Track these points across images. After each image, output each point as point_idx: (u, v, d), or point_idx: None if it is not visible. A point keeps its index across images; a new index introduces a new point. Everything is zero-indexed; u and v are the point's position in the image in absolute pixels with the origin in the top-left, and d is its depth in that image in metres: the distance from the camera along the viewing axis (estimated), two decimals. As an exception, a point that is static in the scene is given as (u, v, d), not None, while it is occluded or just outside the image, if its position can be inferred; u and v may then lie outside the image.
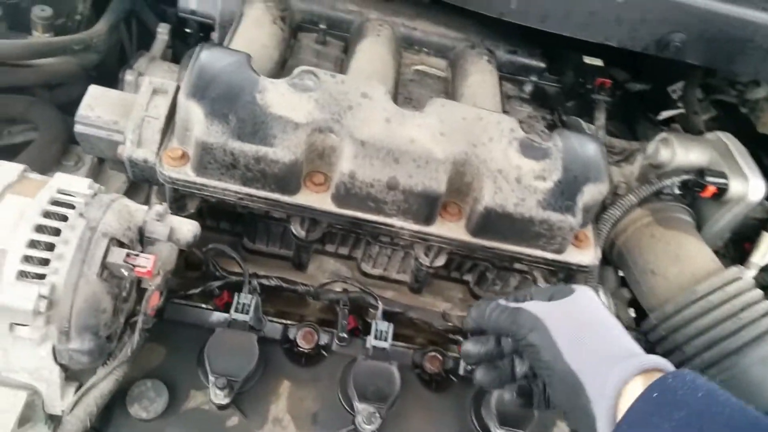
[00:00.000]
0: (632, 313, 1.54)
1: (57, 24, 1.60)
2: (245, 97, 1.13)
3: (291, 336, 1.22)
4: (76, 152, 1.50)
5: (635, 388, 0.73)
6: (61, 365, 0.94)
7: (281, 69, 1.49)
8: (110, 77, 1.55)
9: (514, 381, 0.96)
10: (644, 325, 1.39)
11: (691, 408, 0.67)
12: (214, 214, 1.34)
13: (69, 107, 1.30)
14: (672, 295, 1.35)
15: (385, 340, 1.19)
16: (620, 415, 0.73)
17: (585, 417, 0.78)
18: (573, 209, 1.17)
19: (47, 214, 0.92)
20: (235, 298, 1.17)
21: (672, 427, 0.66)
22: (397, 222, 1.19)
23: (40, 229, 0.91)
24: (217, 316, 1.20)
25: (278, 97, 1.14)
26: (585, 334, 0.84)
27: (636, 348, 0.82)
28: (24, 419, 0.94)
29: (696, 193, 1.41)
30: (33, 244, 0.89)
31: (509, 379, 0.97)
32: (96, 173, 1.50)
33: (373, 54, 1.49)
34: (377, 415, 1.10)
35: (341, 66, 1.54)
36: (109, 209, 0.96)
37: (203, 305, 1.23)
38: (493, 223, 1.17)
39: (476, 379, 0.98)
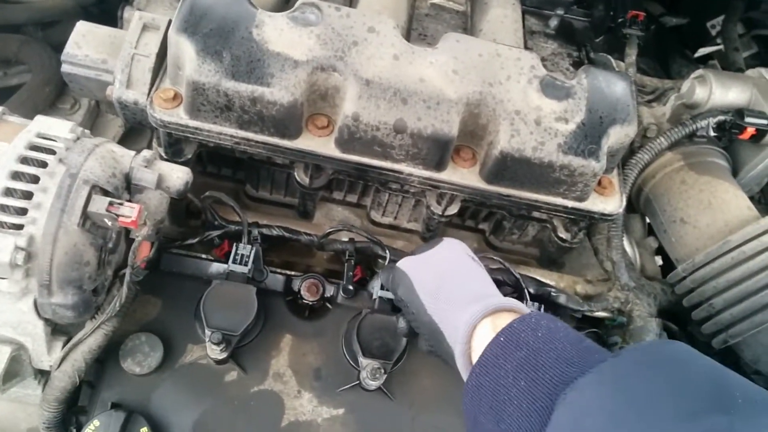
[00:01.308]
0: (659, 261, 1.46)
1: (50, -43, 1.51)
2: (240, 33, 1.04)
3: (295, 288, 1.17)
4: (73, 95, 1.44)
5: (483, 330, 0.81)
6: (46, 320, 0.90)
7: (285, 4, 1.38)
8: (112, 16, 1.46)
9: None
10: (671, 276, 1.31)
11: (530, 347, 0.73)
12: (214, 160, 1.28)
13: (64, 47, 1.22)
14: (702, 245, 1.26)
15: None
16: (474, 355, 0.81)
17: (451, 360, 0.87)
18: (597, 153, 1.07)
19: (24, 160, 0.86)
20: (234, 248, 1.11)
21: (514, 367, 0.72)
22: (405, 168, 1.11)
23: (16, 176, 0.85)
24: (216, 266, 1.14)
25: (276, 33, 1.05)
26: (442, 285, 0.91)
27: (487, 291, 0.91)
28: (10, 374, 0.91)
29: (733, 135, 1.30)
30: (9, 192, 0.84)
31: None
32: (93, 117, 1.43)
33: (384, -14, 1.38)
34: (382, 370, 1.05)
35: (351, 1, 1.44)
36: (91, 155, 0.90)
37: (203, 255, 1.17)
38: (509, 168, 1.08)
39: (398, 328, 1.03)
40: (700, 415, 0.56)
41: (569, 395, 0.66)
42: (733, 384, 0.62)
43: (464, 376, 0.83)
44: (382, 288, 1.13)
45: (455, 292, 0.89)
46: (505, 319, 0.80)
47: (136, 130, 1.45)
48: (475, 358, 0.80)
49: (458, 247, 1.01)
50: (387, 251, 1.20)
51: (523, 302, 1.15)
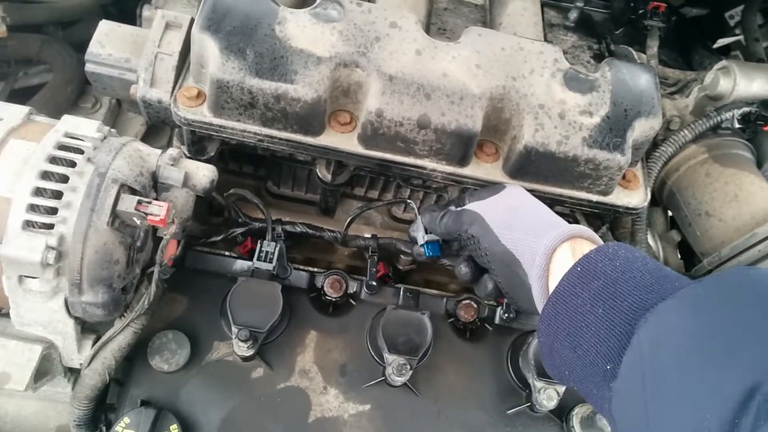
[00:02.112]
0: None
1: (70, -43, 1.52)
2: (263, 30, 1.04)
3: (318, 284, 1.17)
4: (94, 94, 1.45)
5: (563, 254, 0.82)
6: (76, 318, 0.90)
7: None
8: (131, 14, 1.47)
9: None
10: (696, 270, 1.30)
11: (608, 277, 0.74)
12: (236, 158, 1.28)
13: (85, 46, 1.23)
14: (728, 238, 1.25)
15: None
16: (552, 278, 0.82)
17: (523, 289, 0.87)
18: (622, 147, 1.06)
19: (54, 160, 0.87)
20: (258, 245, 1.11)
21: (591, 295, 0.73)
22: (429, 163, 1.10)
23: (46, 175, 0.85)
24: (241, 264, 1.15)
25: (299, 29, 1.05)
26: (516, 217, 0.92)
27: (560, 221, 0.91)
28: (41, 373, 0.92)
29: (758, 126, 1.28)
30: (39, 191, 0.84)
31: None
32: (114, 115, 1.44)
33: (403, -20, 1.37)
34: (408, 366, 1.05)
35: (370, -5, 1.43)
36: (119, 154, 0.90)
37: (226, 252, 1.17)
38: (533, 163, 1.08)
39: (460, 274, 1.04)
40: None
41: (650, 319, 0.66)
42: None
43: (537, 302, 0.84)
44: (427, 232, 1.10)
45: (530, 222, 0.90)
46: (583, 246, 0.82)
47: (155, 128, 1.46)
48: (552, 282, 0.81)
49: (522, 189, 1.04)
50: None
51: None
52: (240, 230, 1.17)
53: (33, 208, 0.83)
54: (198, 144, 1.14)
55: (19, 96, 1.49)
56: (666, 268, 0.75)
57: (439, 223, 1.04)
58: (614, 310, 0.70)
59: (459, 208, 1.02)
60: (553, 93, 1.07)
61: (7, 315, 0.91)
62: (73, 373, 0.97)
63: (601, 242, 0.86)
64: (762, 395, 0.52)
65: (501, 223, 0.92)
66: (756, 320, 0.59)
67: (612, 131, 1.06)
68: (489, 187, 1.06)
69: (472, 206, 1.00)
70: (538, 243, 0.84)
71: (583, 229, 0.86)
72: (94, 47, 1.14)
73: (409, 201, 1.22)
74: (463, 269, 1.01)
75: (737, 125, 1.30)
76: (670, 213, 1.48)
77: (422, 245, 1.08)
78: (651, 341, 0.64)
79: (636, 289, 0.71)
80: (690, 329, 0.61)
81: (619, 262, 0.75)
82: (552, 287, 0.81)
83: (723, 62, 1.33)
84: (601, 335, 0.70)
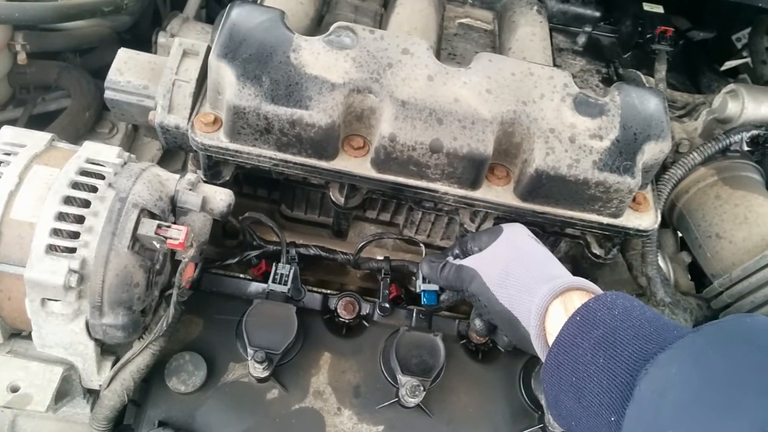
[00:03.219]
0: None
1: (87, -15, 1.55)
2: (278, 57, 1.06)
3: (331, 306, 1.18)
4: (110, 119, 1.48)
5: (555, 311, 0.83)
6: (96, 340, 0.92)
7: (318, 26, 1.41)
8: (145, 40, 1.51)
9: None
10: (707, 291, 1.30)
11: (607, 325, 0.75)
12: (251, 181, 1.30)
13: (102, 72, 1.26)
14: (739, 259, 1.25)
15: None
16: (549, 336, 0.83)
17: (528, 345, 0.88)
18: (632, 170, 1.08)
19: (76, 185, 0.89)
20: (273, 268, 1.13)
21: (591, 345, 0.74)
22: (441, 187, 1.12)
23: (68, 200, 0.87)
24: (255, 286, 1.16)
25: (313, 56, 1.07)
26: (509, 273, 0.94)
27: (553, 272, 0.93)
28: (62, 394, 0.93)
29: (767, 149, 1.29)
30: (62, 216, 0.86)
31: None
32: (131, 140, 1.47)
33: (414, 8, 1.40)
34: (421, 387, 1.06)
35: (380, 21, 1.46)
36: (139, 179, 0.93)
37: (241, 275, 1.19)
38: (544, 186, 1.09)
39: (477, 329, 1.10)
40: None
41: (651, 371, 0.66)
42: None
43: (542, 357, 0.85)
44: (424, 281, 1.14)
45: (523, 278, 0.92)
46: (575, 299, 0.83)
47: (170, 152, 1.49)
48: (550, 339, 0.82)
49: (519, 232, 1.04)
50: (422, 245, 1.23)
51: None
52: (254, 253, 1.19)
53: (56, 232, 0.85)
54: (214, 168, 1.17)
55: (37, 121, 1.53)
56: (664, 317, 0.77)
57: (440, 275, 1.08)
58: (615, 359, 0.71)
59: (458, 263, 1.05)
60: (563, 117, 1.09)
61: (28, 337, 0.93)
62: (92, 395, 0.99)
63: (596, 289, 0.87)
64: None
65: (497, 280, 0.94)
66: (756, 371, 0.59)
67: (622, 155, 1.08)
68: (487, 231, 1.07)
69: (469, 262, 1.02)
70: (531, 301, 0.86)
71: (576, 280, 0.87)
72: (113, 75, 1.17)
73: (419, 243, 1.26)
74: (478, 324, 1.07)
75: (746, 148, 1.31)
76: (680, 234, 1.49)
77: (420, 292, 1.13)
78: (653, 394, 0.64)
79: (636, 338, 0.72)
80: (691, 381, 0.62)
81: (618, 311, 0.76)
82: (551, 344, 0.81)
83: (731, 86, 1.34)
84: (603, 386, 0.71)
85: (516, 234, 1.04)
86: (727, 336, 0.66)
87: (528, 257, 0.97)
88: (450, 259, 1.09)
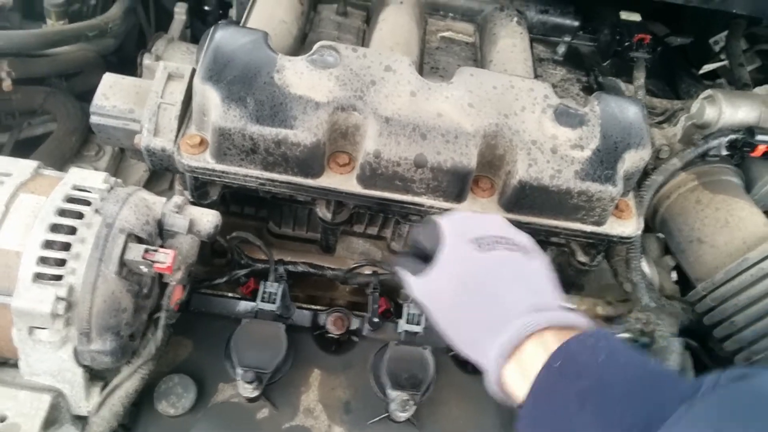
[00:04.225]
0: (674, 276, 1.47)
1: (71, 11, 1.55)
2: (263, 78, 1.07)
3: (321, 322, 1.19)
4: (97, 142, 1.48)
5: (511, 371, 0.71)
6: (84, 366, 0.92)
7: (301, 44, 1.43)
8: (130, 62, 1.51)
9: None
10: (691, 295, 1.31)
11: (592, 376, 0.66)
12: (238, 200, 1.31)
13: (88, 95, 1.26)
14: (721, 263, 1.27)
15: (418, 324, 1.15)
16: (509, 380, 0.71)
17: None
18: (613, 178, 1.09)
19: (62, 212, 0.89)
20: (261, 287, 1.14)
21: (576, 396, 0.65)
22: (426, 201, 1.13)
23: (55, 228, 0.88)
24: (244, 305, 1.17)
25: (297, 76, 1.08)
26: (460, 309, 0.77)
27: (508, 310, 0.74)
28: (50, 422, 0.93)
29: (745, 153, 1.32)
30: (48, 244, 0.87)
31: None
32: (117, 162, 1.47)
33: (396, 23, 1.42)
34: (411, 402, 1.07)
35: (363, 38, 1.48)
36: (125, 204, 0.93)
37: (229, 294, 1.20)
38: (528, 197, 1.11)
39: None
40: None
41: None
42: None
43: (498, 400, 0.75)
44: (408, 322, 1.16)
45: (474, 321, 0.76)
46: (529, 353, 0.70)
47: (157, 173, 1.49)
48: (514, 389, 0.71)
49: (459, 246, 0.81)
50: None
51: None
52: (243, 272, 1.20)
53: (43, 260, 0.85)
54: (201, 189, 1.17)
55: (23, 146, 1.52)
56: (651, 362, 0.69)
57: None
58: (605, 416, 0.63)
59: (411, 288, 0.85)
60: (544, 129, 1.10)
61: (15, 365, 0.93)
62: (80, 421, 0.98)
63: (558, 323, 0.71)
64: None
65: (448, 318, 0.79)
66: None
67: (603, 163, 1.10)
68: (428, 233, 0.85)
69: (417, 291, 0.83)
70: (485, 353, 0.73)
71: (543, 321, 0.71)
72: (98, 100, 1.18)
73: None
74: None
75: (725, 152, 1.33)
76: (662, 235, 1.51)
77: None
78: None
79: (628, 396, 0.64)
80: None
81: (602, 357, 0.67)
82: (515, 391, 0.71)
83: (708, 91, 1.36)
84: None
85: (456, 249, 0.81)
86: (737, 403, 0.59)
87: (475, 289, 0.78)
88: (406, 268, 0.86)
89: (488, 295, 0.77)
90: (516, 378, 0.71)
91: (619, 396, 0.64)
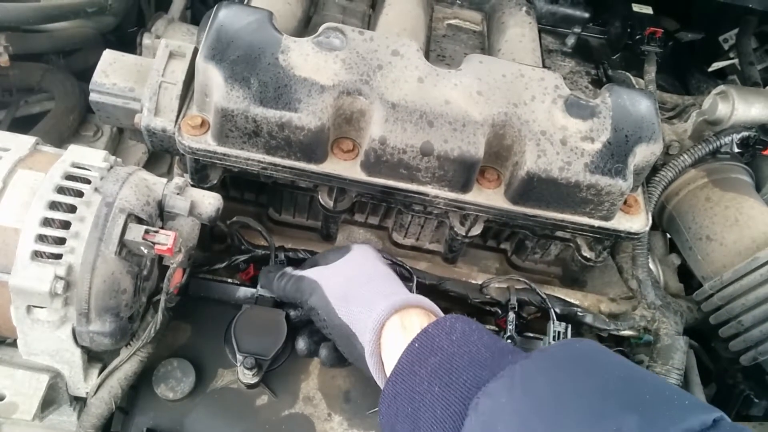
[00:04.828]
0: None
1: (70, -14, 1.53)
2: (267, 59, 1.05)
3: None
4: (95, 122, 1.45)
5: (392, 326, 0.82)
6: (83, 347, 0.90)
7: (305, 27, 1.40)
8: (129, 42, 1.48)
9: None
10: (698, 294, 1.30)
11: (444, 351, 0.73)
12: (238, 185, 1.28)
13: (86, 74, 1.24)
14: (730, 262, 1.25)
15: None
16: (384, 353, 0.82)
17: (363, 362, 0.86)
18: (623, 172, 1.07)
19: (61, 190, 0.87)
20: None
21: (428, 372, 0.72)
22: (431, 190, 1.11)
23: (54, 206, 0.86)
24: (244, 291, 1.15)
25: (302, 58, 1.06)
26: (351, 288, 0.92)
27: (393, 290, 0.91)
28: (48, 402, 0.92)
29: (757, 150, 1.30)
30: (47, 222, 0.84)
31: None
32: (115, 144, 1.45)
33: (402, 8, 1.39)
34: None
35: (369, 22, 1.45)
36: (125, 183, 0.91)
37: (229, 280, 1.17)
38: (535, 189, 1.09)
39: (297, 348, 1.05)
40: (608, 415, 0.54)
41: (481, 401, 0.65)
42: (641, 380, 0.61)
43: (375, 377, 0.84)
44: (262, 287, 1.13)
45: (364, 294, 0.90)
46: (413, 316, 0.82)
47: (156, 156, 1.47)
48: (385, 356, 0.81)
49: (366, 251, 1.04)
50: (412, 273, 1.20)
51: (549, 323, 1.17)
52: (243, 257, 1.17)
53: (41, 238, 0.83)
54: (201, 172, 1.15)
55: (20, 124, 1.50)
56: (501, 341, 0.76)
57: (277, 285, 1.04)
58: (450, 387, 0.69)
59: (299, 273, 1.02)
60: (554, 119, 1.08)
61: (13, 344, 0.91)
62: (78, 402, 0.97)
63: (435, 308, 0.86)
64: None
65: (339, 294, 0.92)
66: (579, 396, 0.58)
67: (613, 157, 1.08)
68: (335, 250, 1.06)
69: (311, 273, 0.99)
70: (368, 317, 0.84)
71: (415, 298, 0.87)
72: (98, 77, 1.15)
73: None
74: (323, 354, 1.01)
75: (736, 149, 1.32)
76: (669, 236, 1.49)
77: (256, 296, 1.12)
78: (482, 426, 0.63)
79: (471, 365, 0.70)
80: (519, 411, 0.61)
81: (456, 335, 0.75)
82: (385, 361, 0.80)
83: (721, 87, 1.35)
84: (437, 416, 0.69)
85: (364, 253, 1.04)
86: (555, 361, 0.66)
87: (370, 274, 0.96)
88: (289, 269, 1.07)
89: (379, 282, 0.94)
90: (388, 351, 0.80)
91: (464, 365, 0.71)
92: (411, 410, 0.72)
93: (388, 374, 0.78)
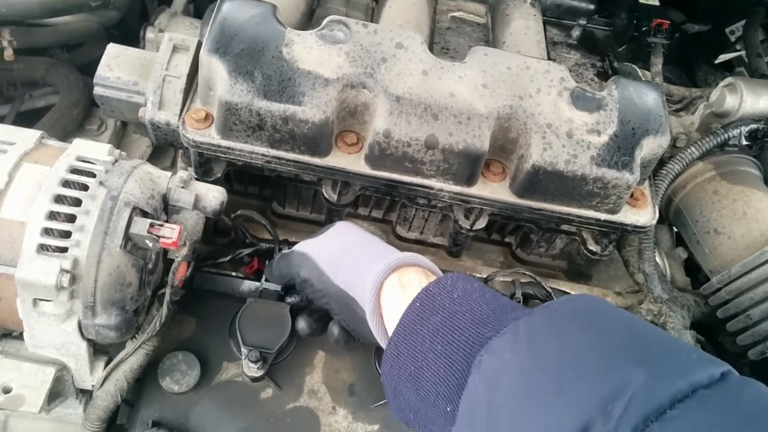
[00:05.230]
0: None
1: (74, -20, 1.52)
2: (271, 52, 1.04)
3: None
4: (99, 116, 1.45)
5: (390, 285, 0.81)
6: (89, 340, 0.90)
7: (309, 20, 1.39)
8: (132, 36, 1.48)
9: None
10: (705, 288, 1.29)
11: (446, 310, 0.72)
12: (242, 179, 1.28)
13: (90, 68, 1.24)
14: (738, 255, 1.24)
15: None
16: (385, 312, 0.81)
17: (364, 326, 0.85)
18: (630, 165, 1.07)
19: (66, 183, 0.87)
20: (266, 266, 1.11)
21: (430, 331, 0.71)
22: (436, 183, 1.10)
23: (59, 199, 0.86)
24: (248, 284, 1.15)
25: (306, 51, 1.05)
26: (344, 255, 0.90)
27: (389, 252, 0.89)
28: (54, 395, 0.92)
29: (766, 143, 1.29)
30: (52, 215, 0.84)
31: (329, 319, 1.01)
32: (119, 138, 1.45)
33: (406, 0, 1.39)
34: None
35: (372, 15, 1.44)
36: (130, 177, 0.91)
37: (233, 273, 1.17)
38: (541, 182, 1.08)
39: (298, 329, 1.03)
40: (615, 369, 0.54)
41: (484, 358, 0.64)
42: (647, 335, 0.60)
43: (378, 339, 0.83)
44: (266, 280, 1.12)
45: (359, 258, 0.89)
46: (411, 274, 0.81)
47: (160, 150, 1.47)
48: (386, 316, 0.80)
49: (351, 225, 1.03)
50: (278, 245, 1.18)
51: None
52: (247, 251, 1.17)
53: (47, 231, 0.83)
54: (205, 166, 1.15)
55: (24, 118, 1.50)
56: (503, 298, 0.75)
57: (274, 269, 1.03)
58: (452, 345, 0.68)
59: (288, 250, 1.01)
60: (560, 112, 1.08)
61: (20, 337, 0.91)
62: (84, 395, 0.97)
63: (432, 266, 0.85)
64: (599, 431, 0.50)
65: (331, 261, 0.91)
66: (582, 351, 0.57)
67: (620, 150, 1.07)
68: (321, 228, 1.04)
69: (300, 247, 0.97)
70: (366, 278, 0.83)
71: (412, 257, 0.85)
72: (102, 70, 1.15)
73: None
74: (335, 332, 0.98)
75: (744, 142, 1.31)
76: (676, 230, 1.48)
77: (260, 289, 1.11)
78: (486, 383, 0.62)
79: (473, 322, 0.69)
80: (523, 367, 0.60)
81: (458, 294, 0.74)
82: (387, 321, 0.79)
83: (729, 79, 1.33)
84: (440, 374, 0.68)
85: (349, 224, 1.03)
86: (559, 317, 0.64)
87: (361, 241, 0.95)
88: (285, 250, 1.05)
89: (371, 246, 0.93)
90: (389, 310, 0.80)
91: (466, 322, 0.70)
92: (414, 369, 0.71)
93: (389, 334, 0.78)
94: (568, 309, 0.66)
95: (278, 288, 1.10)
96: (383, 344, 0.82)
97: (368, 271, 0.83)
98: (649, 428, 0.48)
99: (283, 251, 1.03)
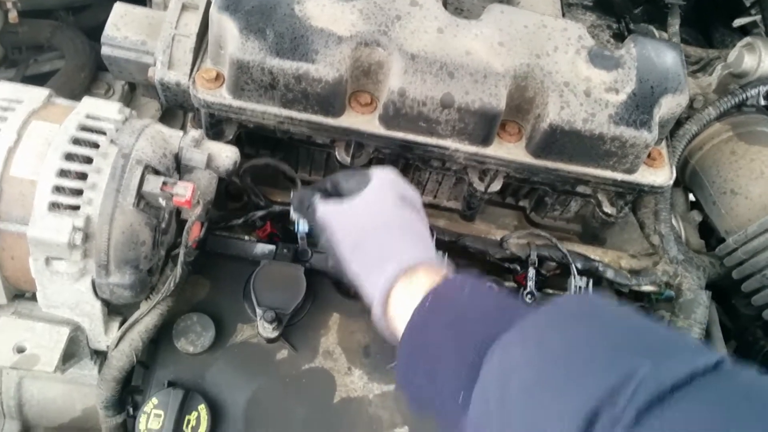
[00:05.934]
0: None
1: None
2: (283, 9, 1.02)
3: (339, 267, 1.16)
4: (106, 80, 1.43)
5: (398, 296, 0.79)
6: (103, 300, 0.90)
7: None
8: (139, -1, 1.45)
9: None
10: (721, 248, 1.28)
11: (457, 309, 0.74)
12: (253, 141, 1.26)
13: (96, 32, 1.22)
14: (755, 215, 1.23)
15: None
16: (391, 311, 0.80)
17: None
18: (649, 124, 1.05)
19: (77, 141, 0.86)
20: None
21: (441, 328, 0.73)
22: (451, 144, 1.09)
23: (70, 157, 0.84)
24: (261, 247, 1.14)
25: (319, 8, 1.03)
26: (360, 241, 0.86)
27: (403, 247, 0.84)
28: (69, 355, 0.92)
29: (785, 103, 1.27)
30: (63, 173, 0.83)
31: None
32: (127, 101, 1.43)
33: (418, -41, 1.35)
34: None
35: (384, -26, 1.41)
36: (141, 135, 0.89)
37: (246, 237, 1.16)
38: (558, 142, 1.06)
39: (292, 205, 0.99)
40: (620, 360, 0.56)
41: (495, 353, 0.66)
42: (649, 329, 0.63)
43: (384, 334, 0.84)
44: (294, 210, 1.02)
45: (371, 251, 0.85)
46: (419, 279, 0.80)
47: (168, 113, 1.45)
48: (395, 316, 0.80)
49: (386, 187, 0.91)
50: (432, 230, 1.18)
51: (570, 278, 1.16)
52: (259, 213, 1.16)
53: (58, 189, 0.82)
54: (216, 127, 1.13)
55: (30, 82, 1.46)
56: (509, 298, 0.77)
57: (305, 209, 0.96)
58: (464, 340, 0.71)
59: (317, 207, 0.92)
60: (578, 70, 1.06)
61: (33, 298, 0.90)
62: (99, 356, 0.97)
63: (442, 262, 0.85)
64: (606, 416, 0.52)
65: (349, 242, 0.87)
66: (590, 348, 0.60)
67: (638, 108, 1.05)
68: (357, 176, 0.94)
69: (324, 212, 0.90)
70: (374, 282, 0.81)
71: (422, 256, 0.83)
72: (109, 30, 1.13)
73: None
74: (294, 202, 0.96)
75: (763, 102, 1.29)
76: (690, 194, 1.47)
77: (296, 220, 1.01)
78: (497, 379, 0.64)
79: (483, 318, 0.72)
80: (533, 362, 0.62)
81: (467, 290, 0.76)
82: (396, 321, 0.80)
83: (747, 39, 1.31)
84: (453, 368, 0.70)
85: (384, 188, 0.91)
86: (565, 315, 0.67)
87: (388, 221, 0.87)
88: (317, 198, 0.94)
89: (390, 236, 0.86)
90: (397, 312, 0.79)
91: (476, 318, 0.72)
92: (428, 362, 0.73)
93: (399, 333, 0.79)
94: (572, 308, 0.69)
95: (301, 237, 1.08)
96: (390, 340, 0.83)
97: (376, 274, 0.82)
98: (652, 412, 0.51)
99: (313, 201, 0.93)
